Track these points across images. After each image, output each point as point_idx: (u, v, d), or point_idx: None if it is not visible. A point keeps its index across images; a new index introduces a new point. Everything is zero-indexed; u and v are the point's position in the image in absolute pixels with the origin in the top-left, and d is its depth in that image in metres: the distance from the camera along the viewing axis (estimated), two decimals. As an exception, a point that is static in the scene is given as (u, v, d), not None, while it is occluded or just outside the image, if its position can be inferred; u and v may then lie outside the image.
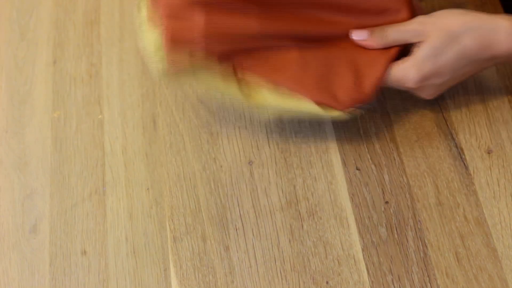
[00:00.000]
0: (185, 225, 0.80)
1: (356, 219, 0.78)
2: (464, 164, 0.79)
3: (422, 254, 0.75)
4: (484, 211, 0.76)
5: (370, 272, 0.74)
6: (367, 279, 0.74)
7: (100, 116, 0.89)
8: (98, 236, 0.80)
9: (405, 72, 0.74)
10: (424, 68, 0.73)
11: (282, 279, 0.75)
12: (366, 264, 0.75)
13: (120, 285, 0.77)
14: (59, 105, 0.90)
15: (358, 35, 0.76)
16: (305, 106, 0.73)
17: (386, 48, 0.75)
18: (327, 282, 0.74)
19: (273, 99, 0.73)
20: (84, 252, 0.79)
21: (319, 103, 0.74)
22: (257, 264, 0.76)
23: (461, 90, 0.84)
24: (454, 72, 0.74)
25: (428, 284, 0.73)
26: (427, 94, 0.77)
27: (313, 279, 0.75)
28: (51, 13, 0.98)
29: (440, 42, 0.73)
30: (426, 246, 0.75)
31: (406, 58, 0.74)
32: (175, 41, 0.70)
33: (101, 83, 0.91)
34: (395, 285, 0.73)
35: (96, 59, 0.93)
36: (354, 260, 0.75)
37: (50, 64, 0.94)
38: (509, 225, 0.76)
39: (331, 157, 0.81)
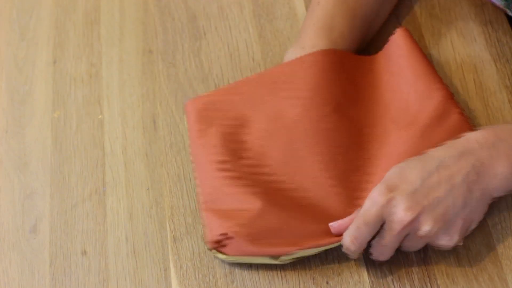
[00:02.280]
0: (185, 225, 0.80)
1: (356, 219, 0.78)
2: (464, 164, 0.78)
3: (422, 254, 0.75)
4: (484, 211, 0.76)
5: (370, 272, 0.74)
6: (367, 279, 0.74)
7: (100, 116, 0.89)
8: (98, 236, 0.80)
9: (369, 198, 0.71)
10: (384, 184, 0.71)
11: (282, 279, 0.75)
12: (366, 264, 0.75)
13: (120, 285, 0.77)
14: (59, 105, 0.90)
15: (335, 227, 0.74)
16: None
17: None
18: (327, 282, 0.74)
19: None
20: (84, 252, 0.79)
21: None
22: (257, 264, 0.76)
23: (461, 91, 0.84)
24: (425, 178, 0.71)
25: (428, 284, 0.73)
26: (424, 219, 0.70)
27: (313, 279, 0.75)
28: (51, 13, 0.98)
29: (399, 165, 0.73)
30: (426, 246, 0.75)
31: None
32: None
33: (101, 83, 0.91)
34: (395, 285, 0.73)
35: (96, 59, 0.93)
36: (354, 260, 0.75)
37: (50, 64, 0.94)
38: (509, 225, 0.76)
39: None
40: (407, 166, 0.72)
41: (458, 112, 0.78)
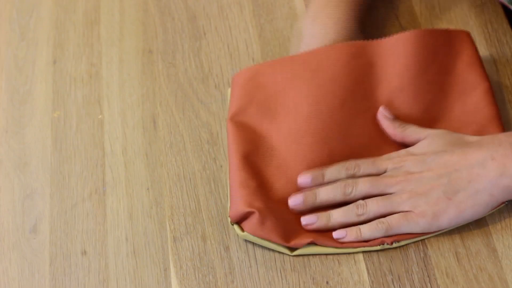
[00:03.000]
0: (185, 225, 0.80)
1: (356, 219, 0.78)
2: (464, 164, 0.78)
3: (422, 254, 0.75)
4: (484, 211, 0.76)
5: (370, 272, 0.74)
6: (367, 279, 0.74)
7: (100, 116, 0.89)
8: (98, 236, 0.80)
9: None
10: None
11: (282, 279, 0.75)
12: (366, 264, 0.75)
13: (120, 285, 0.77)
14: (59, 105, 0.90)
15: (386, 119, 0.80)
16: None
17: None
18: (327, 282, 0.74)
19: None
20: (84, 252, 0.79)
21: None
22: (257, 264, 0.76)
23: (461, 90, 0.84)
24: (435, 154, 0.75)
25: (428, 284, 0.73)
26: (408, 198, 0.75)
27: (313, 279, 0.75)
28: (51, 13, 0.98)
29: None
30: (426, 246, 0.75)
31: None
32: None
33: (101, 83, 0.91)
34: (395, 285, 0.73)
35: (96, 59, 0.93)
36: (354, 260, 0.75)
37: (50, 64, 0.94)
38: (509, 225, 0.76)
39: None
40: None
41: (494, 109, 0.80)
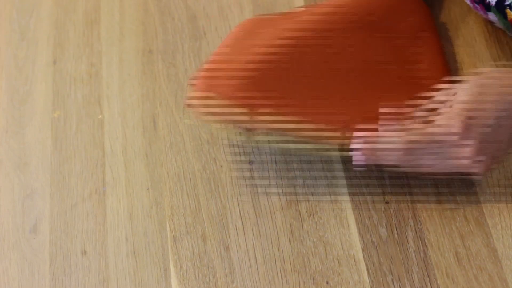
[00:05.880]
0: (185, 225, 0.80)
1: (356, 219, 0.78)
2: (464, 164, 0.79)
3: (422, 254, 0.75)
4: (484, 211, 0.76)
5: (370, 272, 0.75)
6: (367, 279, 0.74)
7: (100, 116, 0.89)
8: (98, 236, 0.80)
9: (446, 122, 0.69)
10: (465, 110, 0.68)
11: (282, 279, 0.75)
12: (366, 264, 0.75)
13: (120, 285, 0.77)
14: (59, 105, 0.90)
15: (387, 111, 0.75)
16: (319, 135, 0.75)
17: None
18: (327, 282, 0.74)
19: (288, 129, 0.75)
20: (84, 252, 0.79)
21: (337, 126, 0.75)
22: (257, 264, 0.76)
23: (461, 90, 0.84)
24: (499, 112, 0.69)
25: (428, 284, 0.73)
26: (479, 162, 0.70)
27: (313, 279, 0.75)
28: (51, 13, 0.98)
29: (475, 85, 0.70)
30: (426, 246, 0.75)
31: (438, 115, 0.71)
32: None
33: (101, 83, 0.91)
34: (395, 285, 0.73)
35: (96, 59, 0.93)
36: (354, 260, 0.75)
37: (50, 64, 0.94)
38: (509, 225, 0.76)
39: (331, 157, 0.81)
40: (485, 92, 0.69)
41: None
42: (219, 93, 0.75)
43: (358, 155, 0.72)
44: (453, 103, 0.70)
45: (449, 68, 0.84)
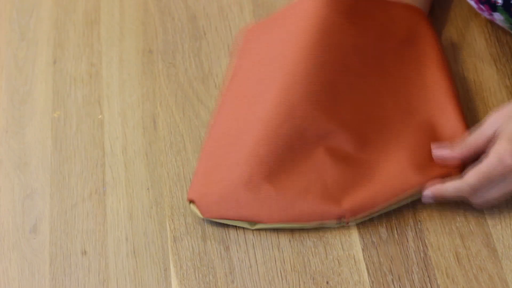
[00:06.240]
0: (185, 225, 0.80)
1: (356, 219, 0.78)
2: (464, 164, 0.78)
3: (422, 254, 0.75)
4: (484, 211, 0.76)
5: (370, 272, 0.75)
6: (367, 279, 0.74)
7: (100, 116, 0.89)
8: (98, 236, 0.80)
9: (499, 161, 0.72)
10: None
11: (282, 279, 0.75)
12: (366, 264, 0.75)
13: (120, 285, 0.77)
14: (59, 105, 0.90)
15: (440, 151, 0.76)
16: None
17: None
18: (327, 282, 0.74)
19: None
20: (84, 252, 0.79)
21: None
22: (257, 264, 0.76)
23: (462, 91, 0.84)
24: None
25: (428, 284, 0.73)
26: None
27: (313, 279, 0.75)
28: (51, 13, 0.98)
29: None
30: (426, 246, 0.75)
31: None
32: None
33: (101, 83, 0.91)
34: (395, 285, 0.73)
35: (96, 59, 0.93)
36: (354, 260, 0.75)
37: (50, 64, 0.94)
38: (509, 225, 0.76)
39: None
40: None
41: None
42: (216, 217, 0.78)
43: (429, 201, 0.76)
44: (499, 139, 0.72)
45: (450, 70, 0.83)
